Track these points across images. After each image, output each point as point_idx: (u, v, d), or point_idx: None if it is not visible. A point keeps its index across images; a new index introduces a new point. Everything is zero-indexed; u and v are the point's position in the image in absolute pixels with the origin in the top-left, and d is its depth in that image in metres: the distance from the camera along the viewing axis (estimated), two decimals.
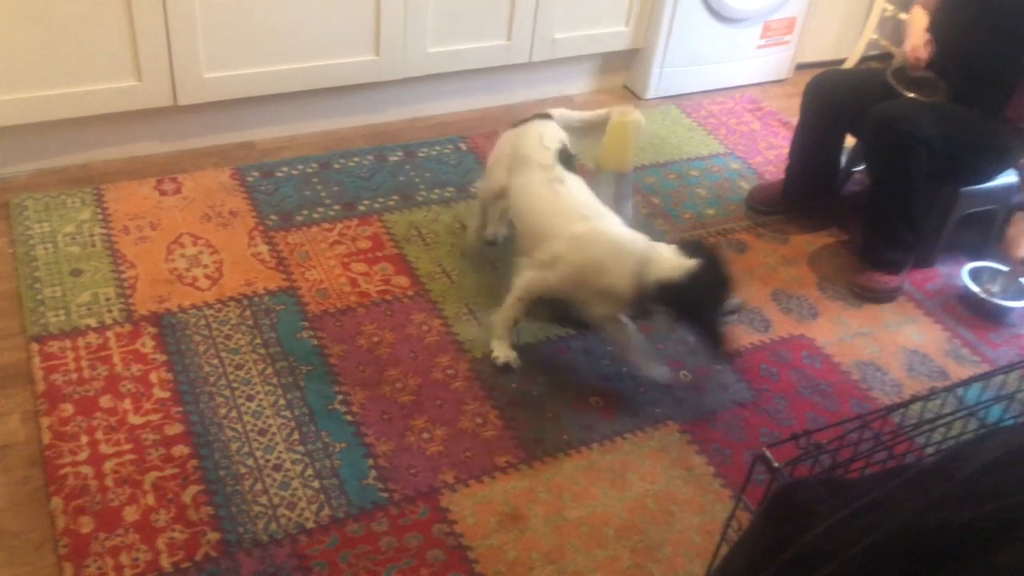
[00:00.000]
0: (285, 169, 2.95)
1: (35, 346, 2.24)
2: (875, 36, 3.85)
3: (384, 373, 2.29)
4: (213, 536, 1.88)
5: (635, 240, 2.17)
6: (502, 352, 2.32)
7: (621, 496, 2.07)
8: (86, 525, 1.87)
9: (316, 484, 2.01)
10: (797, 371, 2.46)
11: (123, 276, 2.46)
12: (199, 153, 2.98)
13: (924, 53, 2.66)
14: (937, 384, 2.47)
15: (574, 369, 2.38)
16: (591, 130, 2.49)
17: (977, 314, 2.72)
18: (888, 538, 1.02)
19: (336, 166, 2.99)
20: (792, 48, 3.78)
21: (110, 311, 2.36)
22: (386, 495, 2.00)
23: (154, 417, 2.10)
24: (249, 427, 2.11)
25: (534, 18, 3.22)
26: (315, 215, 2.77)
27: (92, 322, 2.32)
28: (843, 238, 2.97)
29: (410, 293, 2.54)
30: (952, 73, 2.65)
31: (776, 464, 1.38)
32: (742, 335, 2.54)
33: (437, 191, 2.94)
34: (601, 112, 2.49)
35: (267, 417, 2.14)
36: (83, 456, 2.00)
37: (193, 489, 1.96)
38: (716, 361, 2.35)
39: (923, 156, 2.56)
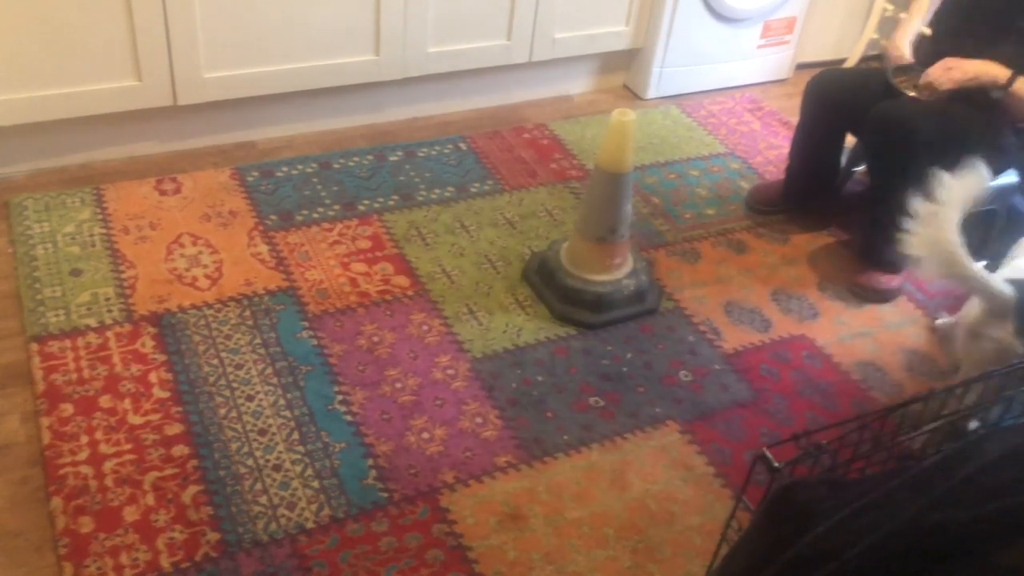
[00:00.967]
0: (285, 169, 2.95)
1: (35, 346, 2.24)
2: (875, 36, 3.85)
3: (384, 373, 2.29)
4: (213, 536, 1.88)
5: None
6: None
7: (621, 496, 2.07)
8: (86, 525, 1.87)
9: (316, 484, 2.01)
10: (797, 371, 2.46)
11: (123, 276, 2.46)
12: (199, 153, 2.98)
13: (908, 56, 2.66)
14: (937, 384, 2.47)
15: (574, 369, 2.38)
16: None
17: None
18: (888, 538, 1.02)
19: (336, 166, 2.99)
20: (792, 48, 3.78)
21: (110, 311, 2.36)
22: (386, 495, 2.00)
23: (154, 417, 2.10)
24: (249, 427, 2.11)
25: (534, 18, 3.22)
26: (315, 215, 2.77)
27: (92, 322, 2.32)
28: (843, 238, 2.97)
29: (410, 293, 2.54)
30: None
31: (776, 464, 1.38)
32: (742, 335, 2.55)
33: (437, 191, 2.94)
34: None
35: (267, 417, 2.14)
36: (83, 456, 2.00)
37: (193, 489, 1.96)
38: None
39: (923, 156, 2.55)
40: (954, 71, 2.55)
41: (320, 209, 2.80)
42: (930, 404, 1.63)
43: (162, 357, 2.25)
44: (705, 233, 2.92)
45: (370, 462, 2.07)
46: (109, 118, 2.80)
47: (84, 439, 2.03)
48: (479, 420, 2.20)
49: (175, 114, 2.90)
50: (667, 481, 2.12)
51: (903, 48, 2.75)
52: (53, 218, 2.63)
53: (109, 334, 2.29)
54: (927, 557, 1.00)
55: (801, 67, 3.83)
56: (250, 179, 2.88)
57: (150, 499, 1.93)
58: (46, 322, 2.30)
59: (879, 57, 3.93)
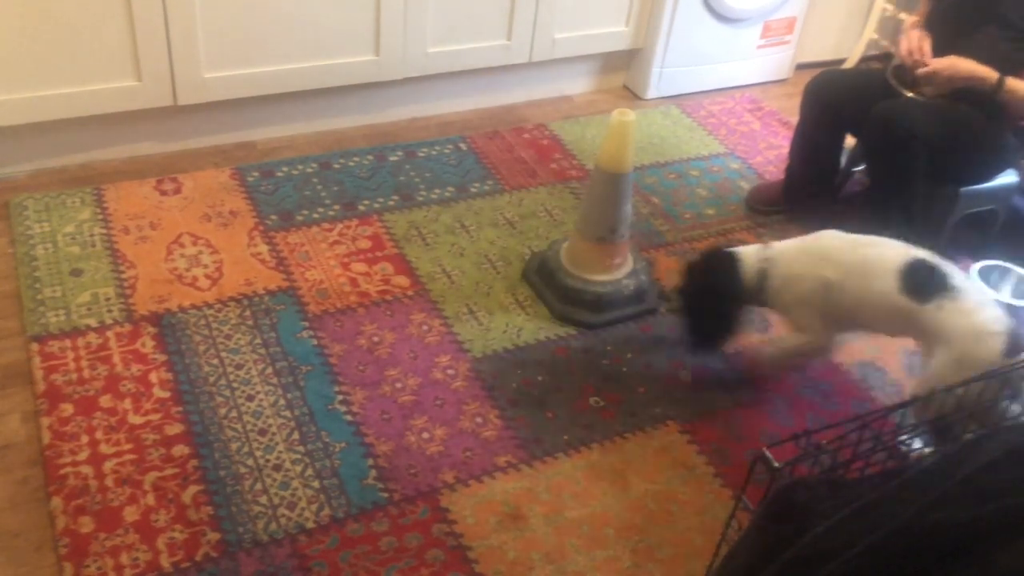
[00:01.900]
0: (285, 169, 2.95)
1: (35, 346, 2.24)
2: (875, 36, 3.85)
3: (384, 373, 2.29)
4: (213, 536, 1.88)
5: None
6: None
7: (621, 496, 2.07)
8: (86, 525, 1.87)
9: (316, 484, 2.01)
10: (797, 371, 2.45)
11: (123, 276, 2.46)
12: (199, 153, 2.98)
13: (917, 50, 2.65)
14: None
15: (574, 369, 2.38)
16: None
17: None
18: (888, 538, 1.02)
19: (336, 166, 2.99)
20: (792, 48, 3.78)
21: (110, 311, 2.36)
22: (386, 495, 2.00)
23: (154, 417, 2.10)
24: (249, 427, 2.11)
25: (534, 18, 3.22)
26: (315, 215, 2.77)
27: (92, 322, 2.32)
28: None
29: (410, 293, 2.54)
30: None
31: (776, 464, 1.38)
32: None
33: (437, 191, 2.94)
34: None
35: (267, 417, 2.14)
36: (83, 456, 2.00)
37: (193, 489, 1.96)
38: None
39: (923, 156, 2.56)
40: (946, 71, 2.56)
41: (320, 209, 2.80)
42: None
43: (162, 357, 2.25)
44: (705, 233, 2.92)
45: (370, 462, 2.07)
46: (109, 118, 2.80)
47: (84, 439, 2.03)
48: (479, 420, 2.20)
49: (175, 114, 2.90)
50: (667, 481, 2.12)
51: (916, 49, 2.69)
52: (53, 218, 2.63)
53: (109, 334, 2.29)
54: (927, 557, 1.00)
55: (801, 67, 3.83)
56: (250, 179, 2.88)
57: (150, 499, 1.93)
58: (46, 322, 2.30)
59: (879, 57, 3.94)
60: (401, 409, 2.20)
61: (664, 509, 2.05)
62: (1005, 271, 2.80)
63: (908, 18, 2.83)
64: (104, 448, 2.02)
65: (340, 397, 2.21)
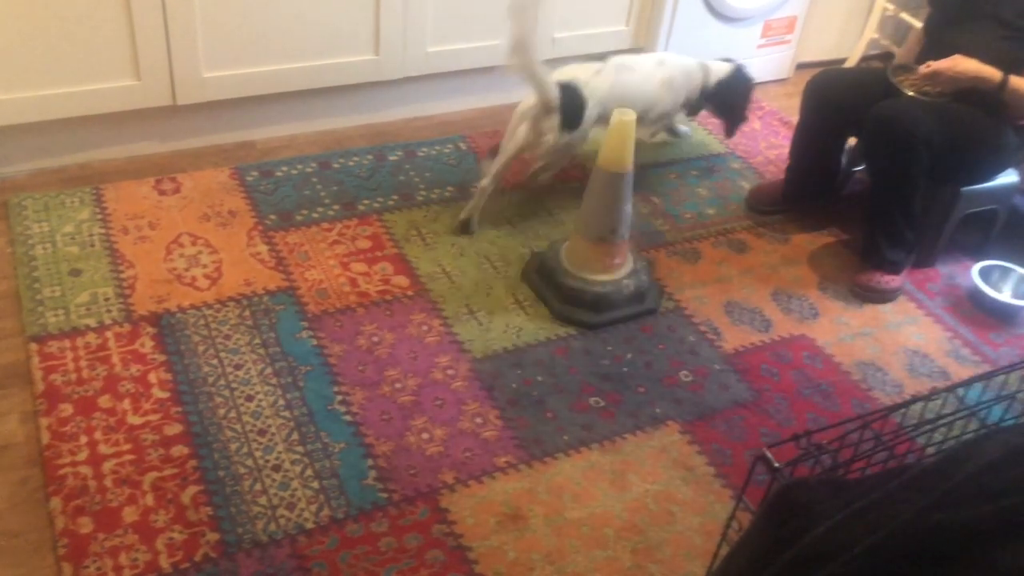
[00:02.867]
0: (285, 169, 2.95)
1: (34, 346, 2.23)
2: (876, 35, 3.85)
3: (384, 373, 2.29)
4: (212, 536, 1.88)
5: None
6: None
7: (621, 496, 2.07)
8: (85, 525, 1.86)
9: (315, 484, 2.00)
10: (797, 371, 2.45)
11: (122, 276, 2.46)
12: (198, 153, 2.98)
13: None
14: (938, 384, 2.46)
15: (574, 369, 2.37)
16: None
17: (987, 314, 2.72)
18: (888, 538, 1.01)
19: (336, 166, 2.99)
20: (792, 48, 3.77)
21: (109, 311, 2.35)
22: (386, 495, 2.00)
23: (153, 417, 2.10)
24: (248, 427, 2.11)
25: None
26: (315, 215, 2.77)
27: (91, 322, 2.32)
28: (843, 238, 2.97)
29: (410, 293, 2.53)
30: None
31: (776, 464, 1.38)
32: (742, 335, 2.54)
33: (437, 191, 2.94)
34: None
35: (266, 417, 2.14)
36: (82, 456, 1.99)
37: (192, 489, 1.96)
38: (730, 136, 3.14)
39: (923, 155, 2.56)
40: (949, 71, 2.55)
41: (320, 209, 2.79)
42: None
43: (161, 357, 2.25)
44: (705, 233, 2.92)
45: (370, 462, 2.07)
46: (109, 118, 2.80)
47: (83, 439, 2.03)
48: (479, 420, 2.20)
49: (175, 114, 2.89)
50: (667, 481, 2.11)
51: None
52: (52, 218, 2.63)
53: (108, 334, 2.29)
54: (927, 557, 1.00)
55: (801, 67, 3.83)
56: (250, 179, 2.88)
57: (149, 499, 1.93)
58: (45, 322, 2.30)
59: (879, 57, 3.93)
60: (401, 409, 2.20)
61: (664, 509, 2.05)
62: (1005, 271, 2.80)
63: (916, 25, 2.83)
64: (103, 448, 2.02)
65: (340, 397, 2.21)
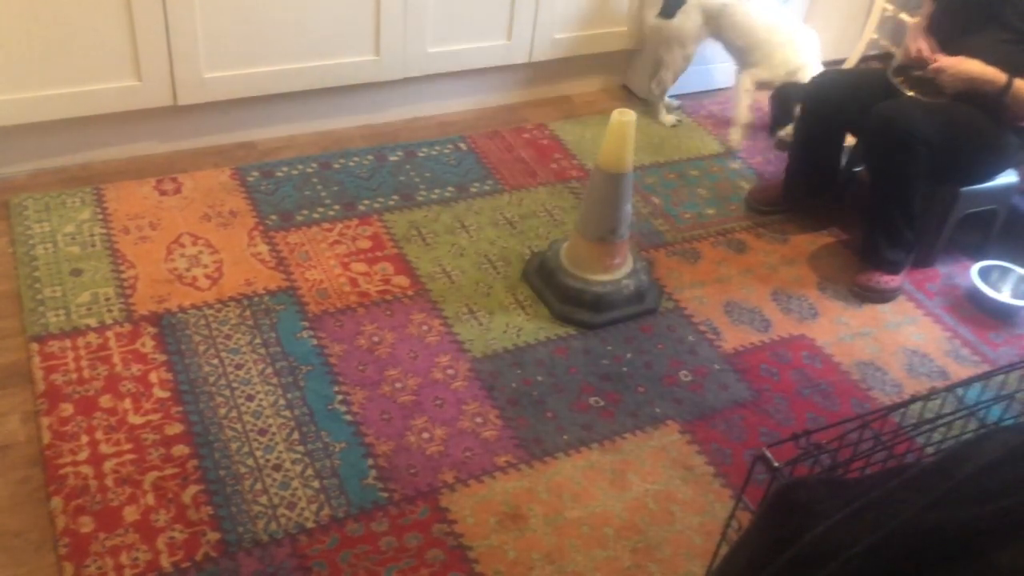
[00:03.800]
0: (285, 169, 2.95)
1: (35, 346, 2.24)
2: (875, 36, 3.85)
3: (384, 373, 2.29)
4: (213, 536, 1.88)
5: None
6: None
7: (621, 496, 2.07)
8: (86, 525, 1.87)
9: (316, 484, 2.01)
10: (797, 371, 2.46)
11: (123, 276, 2.47)
12: (199, 153, 2.98)
13: (926, 48, 2.65)
14: (937, 384, 2.47)
15: (574, 369, 2.38)
16: None
17: (986, 314, 2.72)
18: (888, 538, 1.02)
19: (336, 166, 2.99)
20: None
21: (110, 311, 2.36)
22: (386, 495, 2.00)
23: (154, 417, 2.10)
24: (249, 427, 2.11)
25: (534, 18, 3.22)
26: (315, 215, 2.77)
27: (92, 322, 2.32)
28: (843, 238, 2.97)
29: (410, 293, 2.54)
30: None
31: (776, 464, 1.38)
32: (742, 335, 2.55)
33: (437, 191, 2.94)
34: None
35: (267, 417, 2.14)
36: (83, 456, 2.00)
37: (193, 489, 1.96)
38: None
39: (923, 156, 2.56)
40: (952, 69, 2.55)
41: (320, 209, 2.80)
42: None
43: (162, 357, 2.25)
44: (705, 233, 2.92)
45: (370, 462, 2.07)
46: (109, 118, 2.80)
47: (84, 439, 2.03)
48: (479, 420, 2.20)
49: (175, 114, 2.90)
50: (667, 481, 2.12)
51: (920, 42, 2.71)
52: (53, 218, 2.63)
53: (109, 334, 2.29)
54: (927, 557, 1.00)
55: None
56: (250, 179, 2.88)
57: (150, 499, 1.93)
58: (46, 322, 2.30)
59: (879, 57, 3.93)
60: (401, 409, 2.20)
61: (664, 509, 2.05)
62: (1005, 271, 2.80)
63: (911, 20, 2.83)
64: (104, 448, 2.02)
65: (340, 397, 2.21)
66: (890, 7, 3.77)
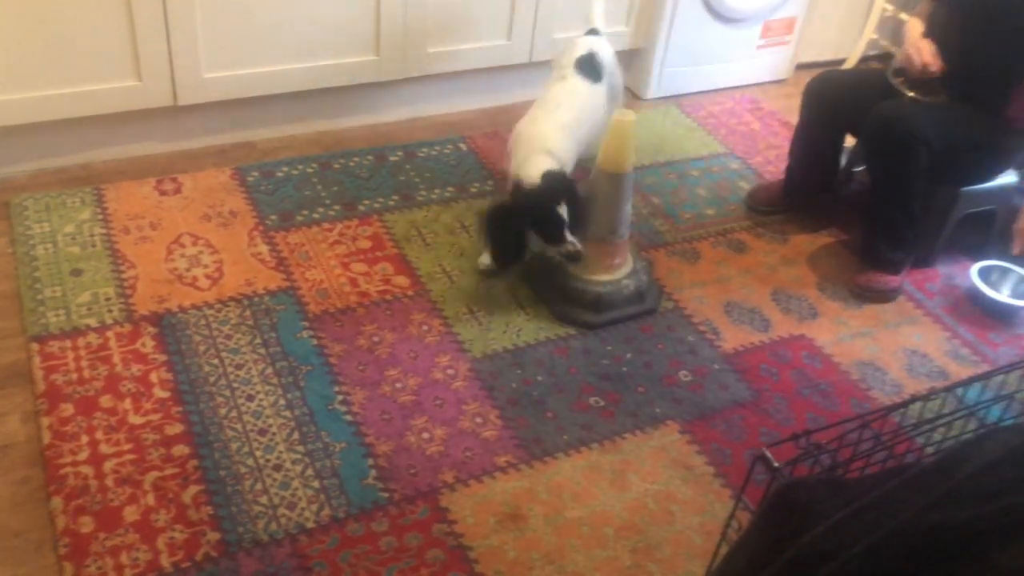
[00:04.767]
0: (285, 169, 2.95)
1: (35, 346, 2.24)
2: (875, 36, 3.86)
3: (384, 373, 2.29)
4: (213, 536, 1.88)
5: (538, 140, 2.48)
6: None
7: (621, 496, 2.07)
8: (86, 525, 1.87)
9: (316, 484, 2.01)
10: (797, 371, 2.46)
11: (123, 276, 2.47)
12: (199, 153, 2.98)
13: (934, 63, 2.62)
14: (937, 384, 2.47)
15: (574, 369, 2.38)
16: None
17: (986, 314, 2.72)
18: (888, 538, 1.02)
19: (336, 166, 2.99)
20: (792, 48, 3.78)
21: (110, 311, 2.36)
22: (386, 495, 2.00)
23: (154, 417, 2.10)
24: (249, 427, 2.11)
25: (534, 18, 3.22)
26: (315, 215, 2.77)
27: (92, 322, 2.32)
28: (843, 238, 2.97)
29: (410, 293, 2.54)
30: (951, 73, 2.65)
31: (776, 464, 1.38)
32: (742, 335, 2.55)
33: (437, 191, 2.94)
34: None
35: (267, 417, 2.14)
36: (83, 456, 2.00)
37: (193, 489, 1.97)
38: (565, 256, 2.45)
39: (923, 156, 2.56)
40: None
41: (320, 209, 2.80)
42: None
43: (162, 357, 2.25)
44: (705, 233, 2.92)
45: (370, 462, 2.07)
46: (109, 118, 2.80)
47: (84, 439, 2.03)
48: (479, 420, 2.20)
49: (175, 114, 2.90)
50: (667, 481, 2.12)
51: (930, 60, 2.64)
52: (53, 218, 2.63)
53: (109, 334, 2.29)
54: (927, 557, 1.00)
55: (801, 67, 3.83)
56: (250, 179, 2.88)
57: (150, 499, 1.93)
58: (46, 322, 2.30)
59: (879, 57, 3.94)
60: (401, 409, 2.20)
61: (664, 509, 2.05)
62: (1005, 271, 2.80)
63: (909, 19, 2.83)
64: (104, 448, 2.02)
65: (340, 397, 2.21)
66: (890, 7, 3.77)
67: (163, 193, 2.78)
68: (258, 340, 2.33)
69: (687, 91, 3.65)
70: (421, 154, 3.11)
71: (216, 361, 2.26)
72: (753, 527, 1.30)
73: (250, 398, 2.18)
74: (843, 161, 3.06)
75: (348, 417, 2.17)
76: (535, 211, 2.37)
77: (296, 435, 2.11)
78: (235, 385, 2.21)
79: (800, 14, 3.67)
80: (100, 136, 2.85)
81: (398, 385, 2.26)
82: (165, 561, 1.83)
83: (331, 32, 2.93)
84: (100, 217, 2.65)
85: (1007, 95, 2.60)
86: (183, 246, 2.59)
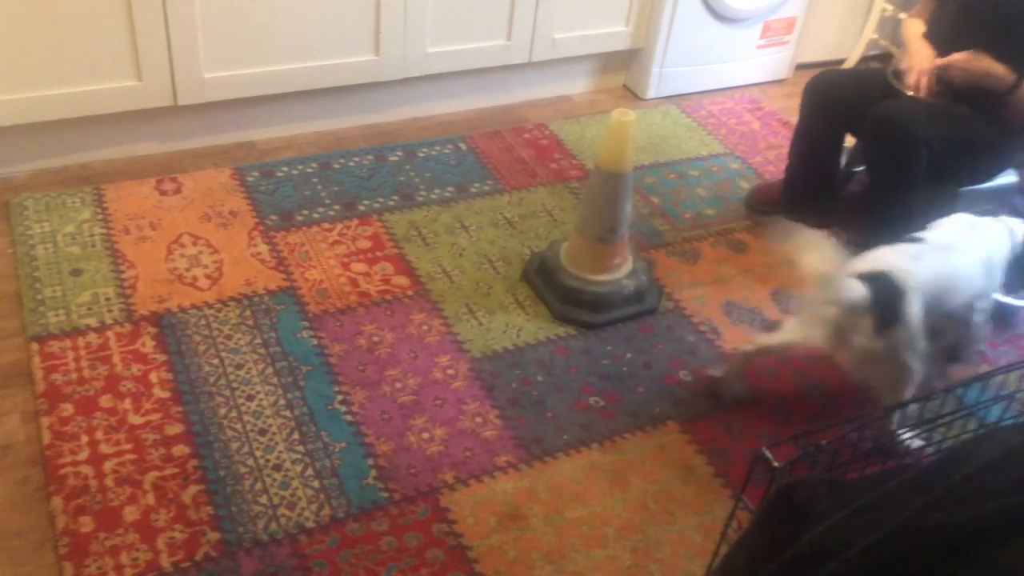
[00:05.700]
0: (285, 169, 2.95)
1: (35, 346, 2.24)
2: (875, 36, 3.86)
3: (384, 373, 2.29)
4: (213, 536, 1.88)
5: None
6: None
7: (621, 496, 2.07)
8: (86, 525, 1.87)
9: (316, 484, 2.01)
10: (797, 371, 2.46)
11: (123, 276, 2.47)
12: (199, 153, 2.98)
13: (924, 89, 2.62)
14: (937, 384, 2.46)
15: (574, 369, 2.38)
16: None
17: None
18: (888, 538, 1.02)
19: (336, 166, 2.99)
20: (792, 48, 3.78)
21: (110, 311, 2.36)
22: (386, 495, 2.01)
23: (154, 417, 2.10)
24: (249, 427, 2.11)
25: (534, 18, 3.22)
26: (315, 215, 2.77)
27: (92, 322, 2.32)
28: (843, 238, 2.97)
29: (410, 293, 2.54)
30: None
31: (776, 464, 1.38)
32: (742, 335, 2.54)
33: (437, 191, 2.94)
34: None
35: (267, 417, 2.14)
36: (83, 456, 2.00)
37: (193, 489, 1.97)
38: None
39: (923, 156, 2.56)
40: (964, 63, 2.53)
41: (320, 209, 2.80)
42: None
43: (162, 357, 2.25)
44: (705, 233, 2.92)
45: (370, 462, 2.07)
46: (109, 118, 2.80)
47: (84, 439, 2.03)
48: (479, 420, 2.20)
49: (175, 114, 2.90)
50: (667, 480, 2.12)
51: (923, 86, 2.63)
52: (53, 218, 2.63)
53: (109, 334, 2.29)
54: (927, 557, 1.00)
55: (801, 67, 3.84)
56: (250, 179, 2.88)
57: (150, 499, 1.93)
58: (46, 322, 2.30)
59: (879, 57, 3.94)
60: (401, 409, 2.20)
61: (664, 509, 2.05)
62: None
63: (906, 19, 2.83)
64: (104, 448, 2.02)
65: (340, 397, 2.21)
66: (890, 7, 3.77)
67: (163, 193, 2.78)
68: (258, 340, 2.33)
69: (687, 91, 3.65)
70: (421, 154, 3.11)
71: (216, 361, 2.26)
72: (753, 527, 1.30)
73: (250, 398, 2.18)
74: (843, 161, 3.06)
75: (348, 417, 2.17)
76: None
77: (296, 435, 2.11)
78: (235, 385, 2.21)
79: (800, 14, 3.67)
80: (100, 136, 2.85)
81: (398, 385, 2.26)
82: (165, 561, 1.83)
83: (331, 32, 2.94)
84: (100, 217, 2.65)
85: (1006, 95, 2.60)
86: (183, 246, 2.59)
